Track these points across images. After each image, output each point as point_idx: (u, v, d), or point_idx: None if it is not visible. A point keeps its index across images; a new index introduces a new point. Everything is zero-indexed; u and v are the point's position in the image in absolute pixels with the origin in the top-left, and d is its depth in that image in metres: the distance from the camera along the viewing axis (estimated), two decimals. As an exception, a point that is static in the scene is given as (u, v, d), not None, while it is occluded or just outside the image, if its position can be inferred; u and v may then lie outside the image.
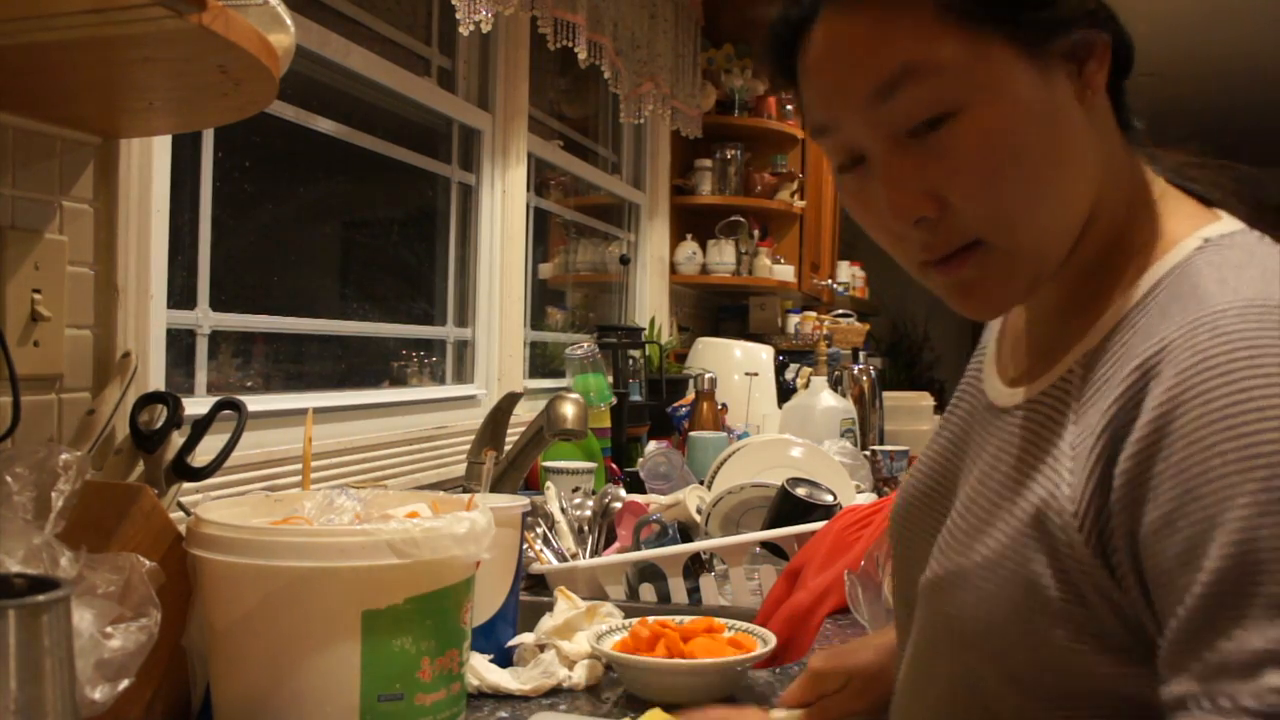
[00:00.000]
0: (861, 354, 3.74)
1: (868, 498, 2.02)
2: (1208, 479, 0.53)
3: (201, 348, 1.53)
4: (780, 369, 3.50)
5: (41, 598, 0.67)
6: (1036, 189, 0.67)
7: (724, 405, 2.85)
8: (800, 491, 1.65)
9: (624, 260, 3.32)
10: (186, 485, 1.18)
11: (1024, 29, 0.67)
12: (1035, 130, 0.67)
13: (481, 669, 1.16)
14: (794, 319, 4.23)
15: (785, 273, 3.90)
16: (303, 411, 1.38)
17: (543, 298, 2.93)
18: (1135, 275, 0.69)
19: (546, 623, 1.25)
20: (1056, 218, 0.69)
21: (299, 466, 1.49)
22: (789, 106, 3.82)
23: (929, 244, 0.70)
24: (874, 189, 0.70)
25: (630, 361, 2.80)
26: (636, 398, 2.80)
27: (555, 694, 1.17)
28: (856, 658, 0.97)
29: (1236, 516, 0.52)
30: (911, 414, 3.56)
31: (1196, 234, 0.68)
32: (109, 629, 0.82)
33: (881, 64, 0.67)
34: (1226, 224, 0.69)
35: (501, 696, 1.15)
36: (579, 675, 1.18)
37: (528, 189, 2.50)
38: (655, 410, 2.86)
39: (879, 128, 0.68)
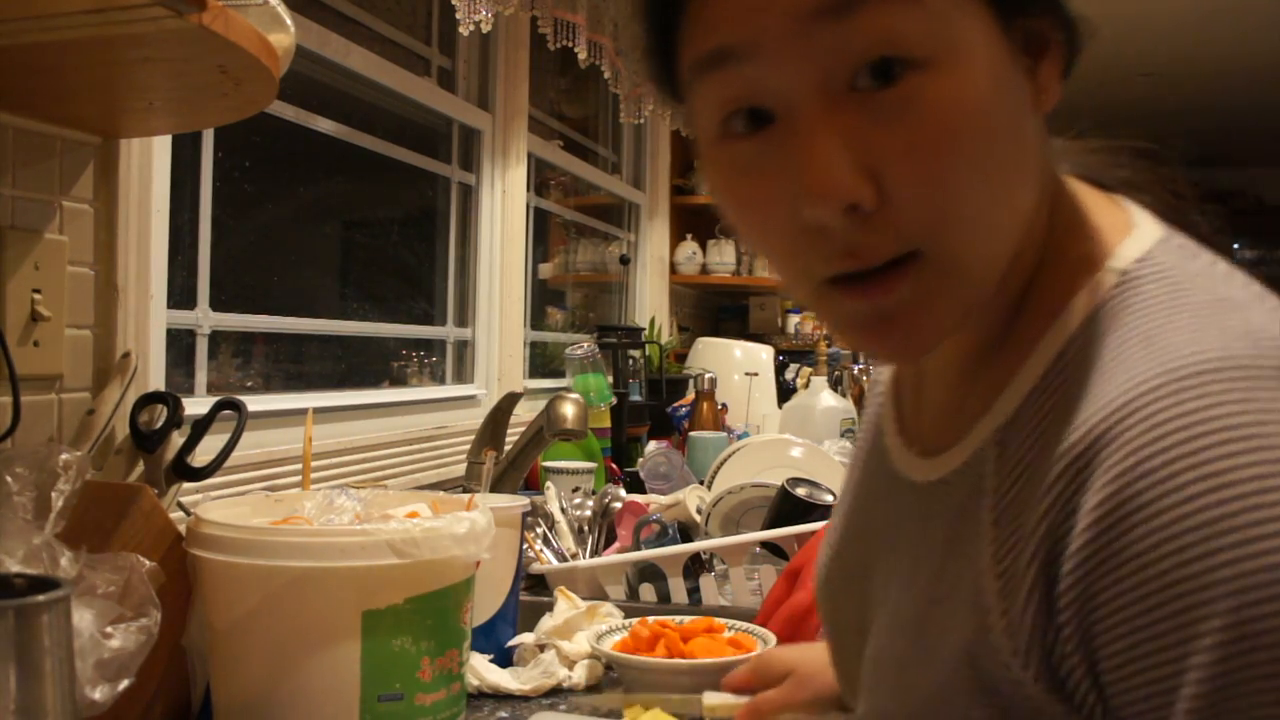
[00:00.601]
0: (861, 354, 3.74)
1: (868, 498, 2.02)
2: (1164, 614, 0.46)
3: (201, 348, 1.53)
4: (780, 369, 3.50)
5: (41, 598, 0.67)
6: (995, 193, 0.54)
7: (724, 405, 2.85)
8: (800, 491, 1.65)
9: (624, 260, 3.32)
10: (186, 485, 1.18)
11: None
12: (1006, 118, 0.54)
13: (481, 669, 1.16)
14: (794, 319, 4.24)
15: (785, 273, 3.90)
16: (303, 411, 1.38)
17: (543, 298, 2.94)
18: (1048, 320, 0.57)
19: (546, 623, 1.25)
20: (1005, 235, 0.56)
21: (299, 466, 1.49)
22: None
23: (855, 248, 0.53)
24: (781, 161, 0.53)
25: (630, 361, 2.80)
26: (636, 398, 2.80)
27: (555, 694, 1.17)
28: (803, 653, 0.97)
29: (1202, 663, 0.44)
30: (911, 414, 3.54)
31: (1110, 265, 0.56)
32: (109, 629, 0.82)
33: None
34: (1142, 236, 0.58)
35: (501, 696, 1.15)
36: (579, 675, 1.18)
37: (528, 189, 2.50)
38: (655, 410, 2.86)
39: (815, 64, 0.52)
